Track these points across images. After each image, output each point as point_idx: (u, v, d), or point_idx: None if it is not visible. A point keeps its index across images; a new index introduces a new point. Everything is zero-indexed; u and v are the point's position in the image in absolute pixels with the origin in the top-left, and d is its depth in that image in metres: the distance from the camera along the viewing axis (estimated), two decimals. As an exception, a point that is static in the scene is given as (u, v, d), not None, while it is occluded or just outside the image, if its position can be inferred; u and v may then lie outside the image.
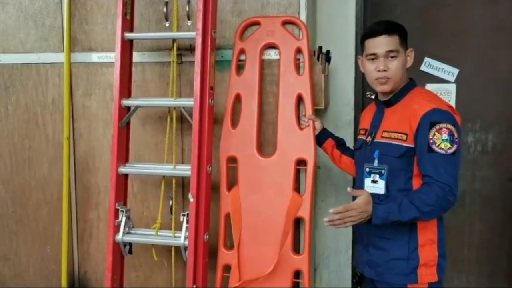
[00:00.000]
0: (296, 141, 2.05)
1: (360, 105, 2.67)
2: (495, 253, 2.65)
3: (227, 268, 2.10)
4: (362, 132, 1.84)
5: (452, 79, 2.62)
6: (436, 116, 1.57)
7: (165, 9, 2.18)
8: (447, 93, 2.63)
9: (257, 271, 2.00)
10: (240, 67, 2.15)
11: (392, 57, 1.66)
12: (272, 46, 2.13)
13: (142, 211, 2.36)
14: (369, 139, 1.76)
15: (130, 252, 2.11)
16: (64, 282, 2.40)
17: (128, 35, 2.06)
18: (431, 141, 1.55)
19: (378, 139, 1.70)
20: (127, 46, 2.09)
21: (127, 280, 2.29)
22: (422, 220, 1.60)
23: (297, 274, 2.07)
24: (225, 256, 2.09)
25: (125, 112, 2.08)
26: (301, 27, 2.08)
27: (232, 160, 2.13)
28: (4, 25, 2.42)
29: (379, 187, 1.66)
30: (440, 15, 2.59)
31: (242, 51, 2.13)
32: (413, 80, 1.77)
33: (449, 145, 1.54)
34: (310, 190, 2.03)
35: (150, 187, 2.32)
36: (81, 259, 2.47)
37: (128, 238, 2.05)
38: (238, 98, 2.13)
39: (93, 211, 2.41)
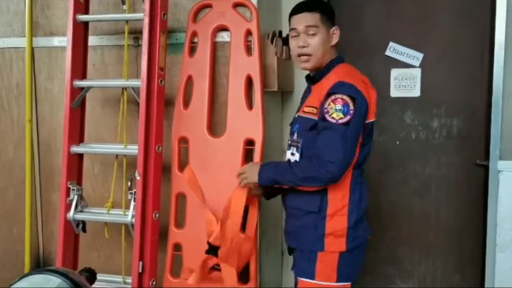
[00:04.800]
0: (245, 121, 2.07)
1: (325, 90, 2.66)
2: (462, 238, 2.63)
3: (178, 246, 2.13)
4: (297, 109, 1.87)
5: (417, 63, 2.60)
6: (335, 88, 1.60)
7: (121, -7, 2.22)
8: (412, 78, 2.62)
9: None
10: (193, 49, 2.17)
11: (312, 34, 1.68)
12: (224, 28, 2.15)
13: (103, 192, 2.40)
14: (297, 115, 1.80)
15: (84, 230, 2.15)
16: (27, 262, 2.45)
17: (80, 17, 2.10)
18: (326, 110, 1.58)
19: (300, 113, 1.75)
20: (81, 29, 2.13)
21: (88, 260, 2.33)
22: (301, 187, 1.64)
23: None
24: (175, 235, 2.12)
25: (78, 93, 2.12)
26: (251, 9, 2.10)
27: (184, 141, 2.16)
28: (-29, 11, 2.49)
29: (296, 159, 1.70)
30: (405, -1, 2.58)
31: (194, 34, 2.16)
32: (340, 56, 1.77)
33: (341, 115, 1.55)
34: (258, 170, 2.04)
35: (109, 168, 2.36)
36: (46, 240, 2.52)
37: (79, 216, 2.09)
38: (190, 80, 2.16)
39: (56, 193, 2.46)
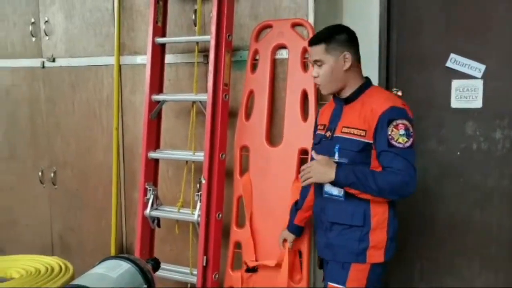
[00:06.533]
0: (300, 132, 2.25)
1: (384, 101, 2.75)
2: (524, 252, 2.58)
3: (238, 245, 2.36)
4: (321, 127, 1.91)
5: (479, 75, 2.60)
6: (393, 114, 1.69)
7: (193, 16, 2.50)
8: (474, 89, 2.62)
9: (264, 247, 2.23)
10: (255, 66, 2.39)
11: (319, 65, 1.80)
12: (283, 46, 2.34)
13: (176, 193, 2.69)
14: (328, 134, 1.84)
15: (158, 225, 2.46)
16: (113, 251, 2.82)
17: (158, 39, 2.41)
18: (390, 136, 1.68)
19: (338, 134, 1.79)
20: (158, 49, 2.44)
21: (162, 252, 2.65)
22: (378, 197, 1.71)
23: (299, 253, 2.26)
24: (236, 233, 2.36)
25: (155, 105, 2.43)
26: (308, 28, 2.27)
27: (246, 149, 2.38)
28: (71, 34, 2.92)
29: None
30: (466, 10, 2.59)
31: (256, 52, 2.37)
32: (369, 79, 1.89)
33: (406, 139, 1.67)
34: (311, 178, 2.20)
35: (182, 172, 2.64)
36: (128, 232, 2.88)
37: (154, 213, 2.40)
38: (252, 94, 2.38)
39: (137, 192, 2.79)
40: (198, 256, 2.26)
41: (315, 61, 1.80)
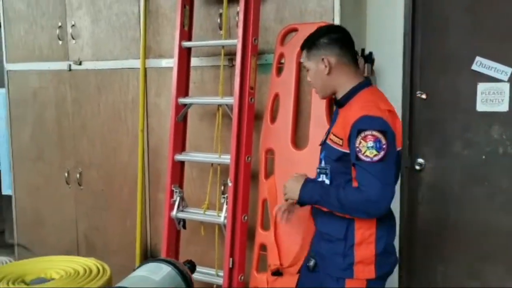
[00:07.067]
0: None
1: (408, 103, 2.74)
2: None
3: (264, 247, 2.37)
4: (327, 131, 1.88)
5: (506, 78, 2.58)
6: (362, 124, 1.57)
7: (219, 20, 2.53)
8: (500, 92, 2.60)
9: (289, 251, 2.25)
10: (280, 70, 2.40)
11: (307, 71, 1.81)
12: (308, 50, 2.34)
13: (200, 195, 2.72)
14: (323, 139, 1.83)
15: (184, 227, 2.49)
16: (138, 251, 2.87)
17: (185, 43, 2.44)
18: (358, 149, 1.56)
19: (327, 140, 1.76)
20: (185, 53, 2.47)
21: (187, 253, 2.67)
22: (344, 214, 1.65)
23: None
24: (261, 236, 2.37)
25: (181, 108, 2.46)
26: (334, 32, 2.27)
27: (271, 152, 2.40)
28: (98, 38, 2.97)
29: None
30: (492, 12, 2.57)
31: (282, 55, 2.39)
32: (365, 81, 1.76)
33: (375, 152, 1.54)
34: (336, 181, 2.21)
35: (205, 173, 2.67)
36: (153, 233, 2.92)
37: (180, 215, 2.43)
38: (277, 97, 2.39)
39: (162, 193, 2.84)
40: (224, 258, 2.29)
41: (304, 67, 1.82)
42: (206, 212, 2.44)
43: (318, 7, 2.34)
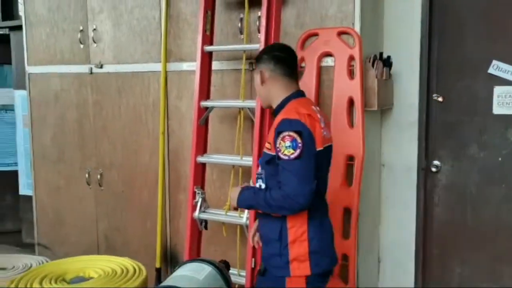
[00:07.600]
0: (346, 139, 2.30)
1: (425, 106, 2.78)
2: None
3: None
4: None
5: (522, 81, 2.61)
6: (281, 126, 1.72)
7: (239, 25, 2.58)
8: (516, 96, 2.64)
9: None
10: (301, 74, 2.45)
11: None
12: (328, 54, 2.39)
13: (219, 196, 2.77)
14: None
15: (205, 228, 2.54)
16: (158, 251, 2.92)
17: (207, 48, 2.49)
18: (278, 149, 1.70)
19: (263, 147, 1.88)
20: (207, 57, 2.52)
21: (207, 253, 2.72)
22: (275, 213, 1.76)
23: (345, 257, 2.32)
24: (282, 237, 2.41)
25: (203, 111, 2.51)
26: (354, 37, 2.32)
27: (292, 154, 2.44)
28: (119, 41, 3.03)
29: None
30: (508, 16, 2.61)
31: (302, 59, 2.43)
32: (295, 93, 1.88)
33: (292, 151, 1.67)
34: (357, 183, 2.26)
35: (226, 175, 2.73)
36: (172, 233, 2.97)
37: (203, 216, 2.48)
38: (298, 100, 2.43)
39: (182, 194, 2.90)
40: (247, 258, 2.34)
41: None
42: (227, 213, 2.49)
43: (338, 13, 2.38)
